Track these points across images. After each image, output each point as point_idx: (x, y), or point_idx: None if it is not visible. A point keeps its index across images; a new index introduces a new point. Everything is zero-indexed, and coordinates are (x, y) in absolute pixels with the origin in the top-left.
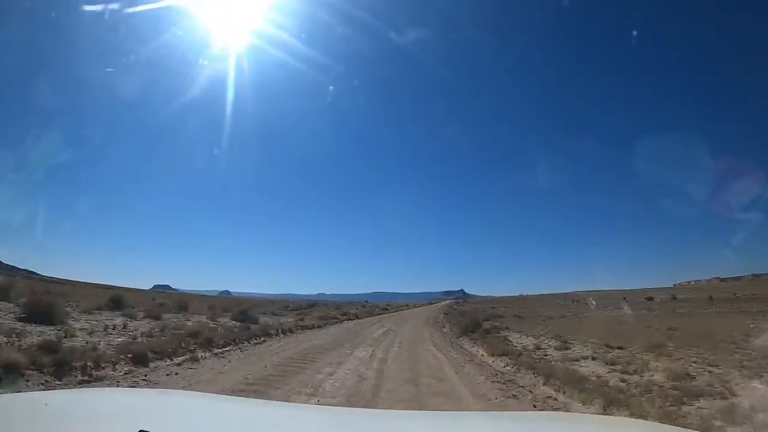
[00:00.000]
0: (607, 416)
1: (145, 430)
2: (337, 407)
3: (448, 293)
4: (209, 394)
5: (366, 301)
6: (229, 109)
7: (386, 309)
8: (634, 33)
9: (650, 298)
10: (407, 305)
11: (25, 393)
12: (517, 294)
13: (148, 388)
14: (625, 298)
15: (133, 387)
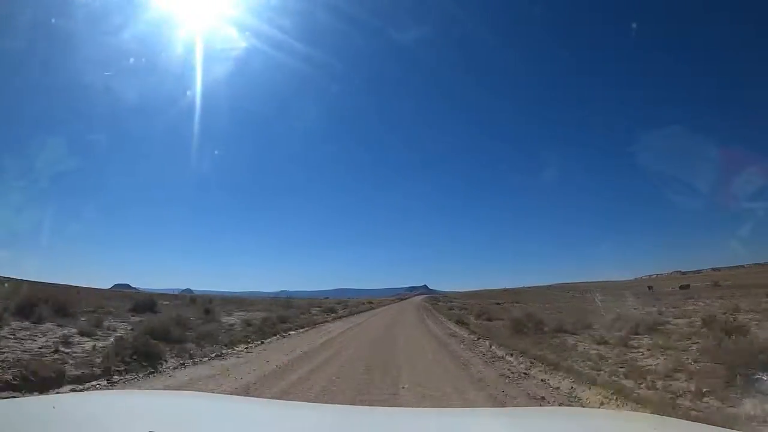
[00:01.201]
0: (614, 410)
1: (152, 431)
2: (341, 406)
3: (411, 289)
4: (216, 394)
5: (326, 297)
6: (198, 108)
7: (332, 311)
8: (634, 26)
9: (686, 286)
10: (371, 302)
11: (33, 396)
12: (482, 288)
13: (156, 390)
14: (650, 287)
15: (141, 390)
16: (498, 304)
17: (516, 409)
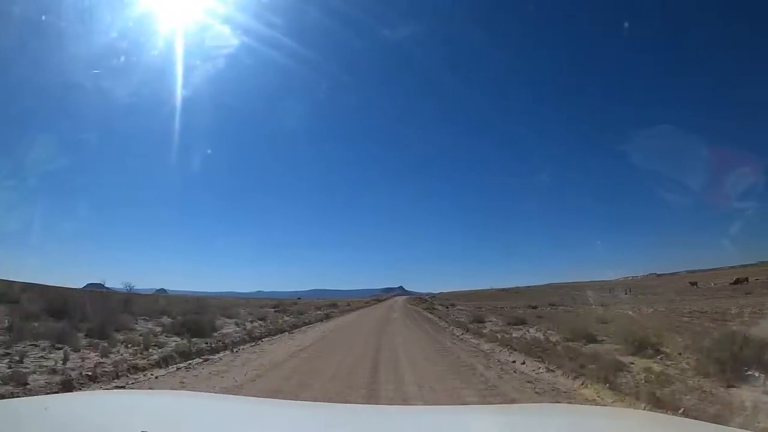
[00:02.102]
0: (607, 408)
1: (144, 431)
2: (338, 405)
3: (388, 290)
4: (209, 393)
5: (299, 298)
6: (182, 108)
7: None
8: (625, 25)
9: (744, 280)
10: (334, 305)
11: (25, 398)
12: (464, 289)
13: (148, 389)
14: (694, 284)
15: (135, 390)
16: (533, 308)
17: (512, 406)
